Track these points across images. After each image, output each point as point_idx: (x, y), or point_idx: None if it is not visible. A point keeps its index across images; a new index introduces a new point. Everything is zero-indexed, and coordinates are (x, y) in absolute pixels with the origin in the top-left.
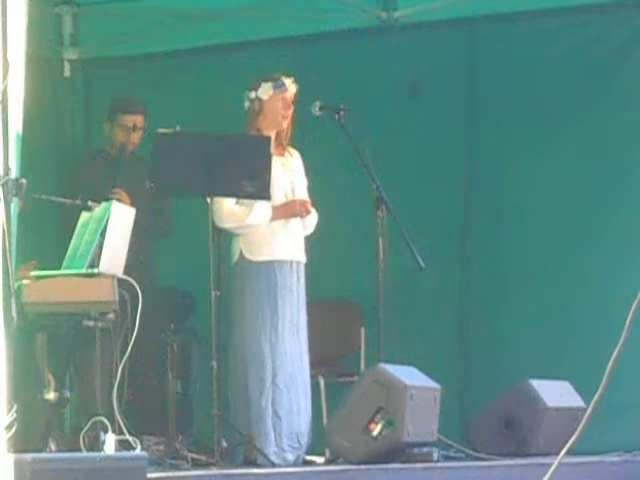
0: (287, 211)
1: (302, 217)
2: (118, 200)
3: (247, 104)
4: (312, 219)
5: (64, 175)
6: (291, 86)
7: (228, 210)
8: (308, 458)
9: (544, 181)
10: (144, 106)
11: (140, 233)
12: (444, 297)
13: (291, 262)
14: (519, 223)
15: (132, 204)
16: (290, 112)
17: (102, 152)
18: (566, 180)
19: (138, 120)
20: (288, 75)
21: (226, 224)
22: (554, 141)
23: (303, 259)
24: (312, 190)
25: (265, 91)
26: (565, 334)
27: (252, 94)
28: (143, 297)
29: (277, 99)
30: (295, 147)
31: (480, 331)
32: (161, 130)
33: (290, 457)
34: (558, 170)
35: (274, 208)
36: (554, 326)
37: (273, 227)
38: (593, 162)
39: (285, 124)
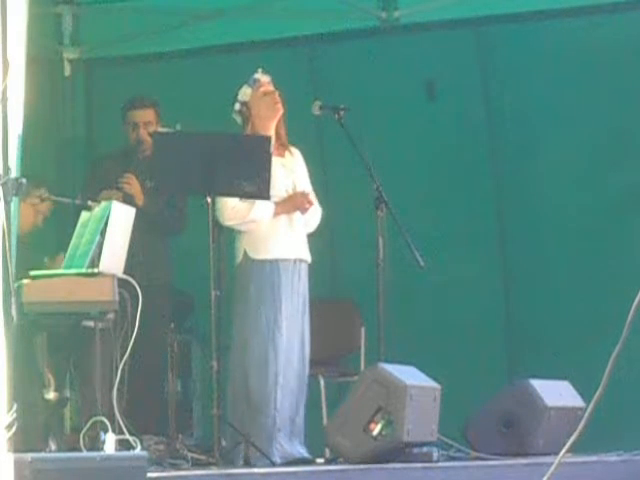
0: (289, 205)
1: (305, 210)
2: (127, 185)
3: (239, 119)
4: (314, 214)
5: (86, 174)
6: (263, 76)
7: (231, 207)
8: (307, 458)
9: (572, 174)
10: (155, 100)
11: (151, 230)
12: (445, 297)
13: (294, 260)
14: (551, 221)
15: (144, 196)
16: (277, 96)
17: (122, 152)
18: (591, 172)
19: (147, 115)
20: (256, 70)
21: (230, 221)
22: (576, 135)
23: (307, 258)
24: (312, 189)
25: (244, 93)
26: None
27: (237, 105)
28: (143, 297)
29: (259, 93)
30: (295, 146)
31: (483, 332)
32: (161, 129)
33: (288, 448)
34: (584, 164)
35: (276, 204)
36: (578, 327)
37: (276, 225)
38: (618, 153)
39: (280, 108)
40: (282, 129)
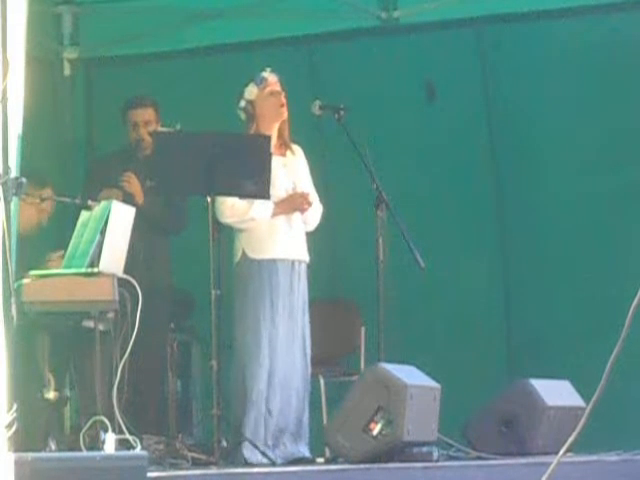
0: (288, 205)
1: (304, 210)
2: (127, 183)
3: (243, 116)
4: (314, 213)
5: (86, 174)
6: (270, 76)
7: (230, 205)
8: (308, 458)
9: (572, 174)
10: (155, 100)
11: (151, 229)
12: (445, 297)
13: (293, 261)
14: (551, 222)
15: (144, 195)
16: (283, 98)
17: (122, 152)
18: (591, 172)
19: (147, 114)
20: (264, 69)
21: (229, 219)
22: (576, 135)
23: (306, 258)
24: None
25: (250, 92)
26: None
27: (242, 103)
28: (143, 296)
29: (265, 93)
30: (297, 143)
31: (483, 332)
32: (161, 129)
33: (290, 449)
34: (584, 164)
35: (275, 204)
36: (575, 327)
37: (275, 225)
38: (617, 154)
39: (284, 111)
40: (285, 128)
